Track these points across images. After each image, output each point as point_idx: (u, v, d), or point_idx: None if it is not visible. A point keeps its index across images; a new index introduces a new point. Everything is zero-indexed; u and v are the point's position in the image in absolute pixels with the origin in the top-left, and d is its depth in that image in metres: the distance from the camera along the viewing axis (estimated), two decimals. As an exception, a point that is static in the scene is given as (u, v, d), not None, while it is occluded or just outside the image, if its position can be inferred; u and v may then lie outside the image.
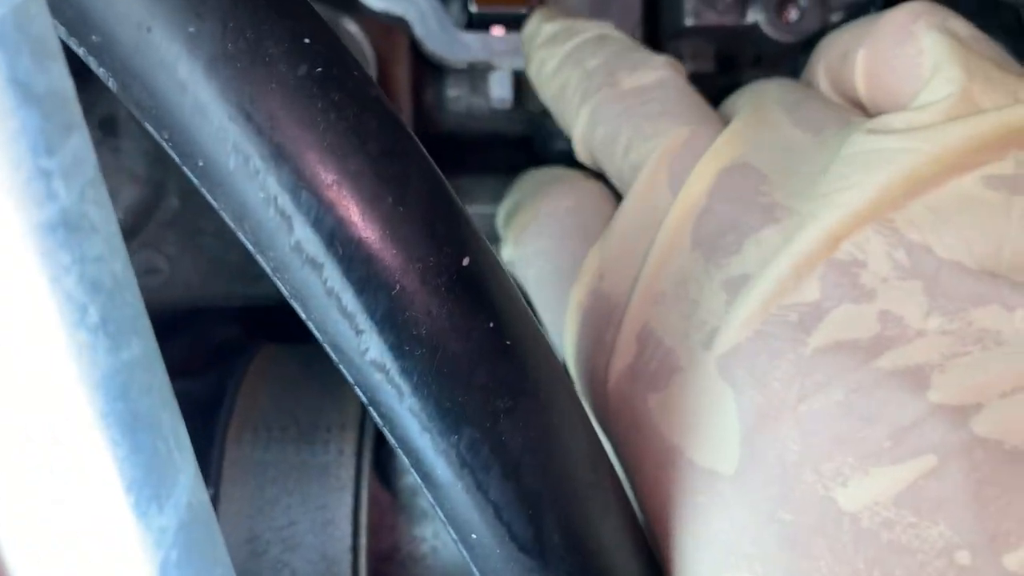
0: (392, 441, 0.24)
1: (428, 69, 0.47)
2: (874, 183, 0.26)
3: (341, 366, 0.23)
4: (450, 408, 0.23)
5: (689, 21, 0.43)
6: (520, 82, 0.45)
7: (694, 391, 0.28)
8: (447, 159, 0.51)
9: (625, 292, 0.31)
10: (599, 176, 0.38)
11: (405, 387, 0.22)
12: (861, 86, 0.31)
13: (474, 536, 0.24)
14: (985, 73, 0.27)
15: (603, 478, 0.25)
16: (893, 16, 0.30)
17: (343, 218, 0.21)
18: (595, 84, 0.36)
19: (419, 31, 0.43)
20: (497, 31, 0.45)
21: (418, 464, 0.24)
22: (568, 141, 0.42)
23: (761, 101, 0.33)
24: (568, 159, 0.44)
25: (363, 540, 0.35)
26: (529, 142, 0.54)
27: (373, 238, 0.22)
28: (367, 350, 0.22)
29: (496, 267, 0.24)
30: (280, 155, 0.21)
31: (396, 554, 0.38)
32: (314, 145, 0.21)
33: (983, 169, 0.26)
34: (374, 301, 0.22)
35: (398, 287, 0.22)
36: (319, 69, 0.21)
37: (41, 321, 0.15)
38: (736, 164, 0.31)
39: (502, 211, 0.42)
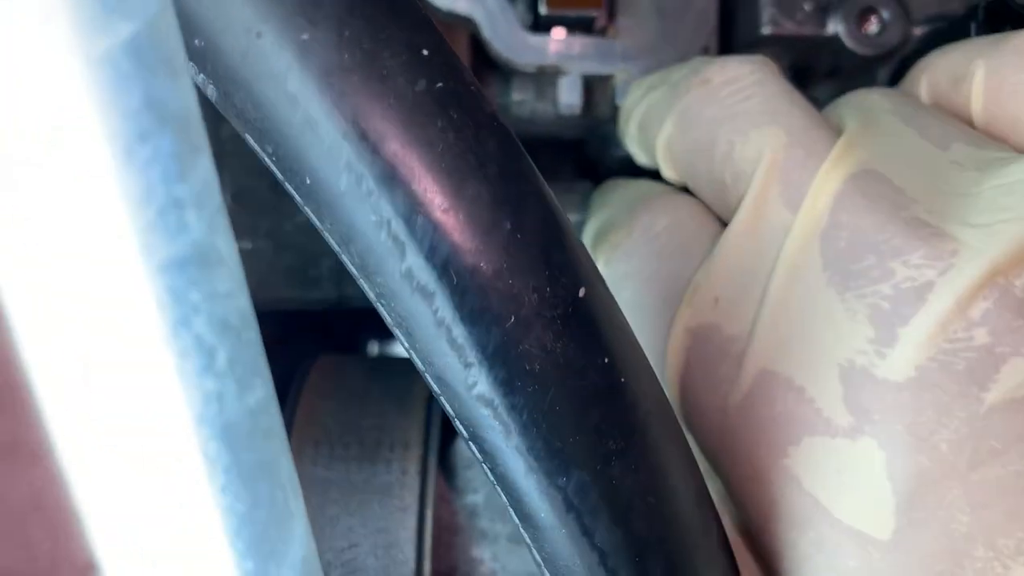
0: (492, 479, 0.23)
1: (489, 69, 0.46)
2: None
3: (443, 399, 0.22)
4: (560, 449, 0.21)
5: (766, 30, 0.41)
6: (589, 88, 0.43)
7: (840, 445, 0.26)
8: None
9: (744, 323, 0.29)
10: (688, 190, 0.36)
11: (513, 425, 0.21)
12: (978, 110, 0.29)
13: (575, 582, 0.23)
14: None
15: (710, 524, 0.24)
16: (1017, 41, 0.28)
17: (459, 245, 0.20)
18: (683, 87, 0.33)
19: (487, 32, 0.41)
20: (561, 33, 0.43)
21: (520, 505, 0.22)
22: (622, 147, 0.41)
23: (871, 110, 0.30)
24: (625, 165, 0.42)
25: (427, 565, 0.33)
26: (581, 146, 0.52)
27: (489, 267, 0.20)
28: (475, 384, 0.21)
29: (609, 298, 0.22)
30: (396, 176, 0.19)
31: (454, 574, 0.37)
32: (432, 167, 0.20)
33: None
34: (487, 334, 0.20)
35: (512, 319, 0.20)
36: (438, 84, 0.20)
37: (168, 370, 0.14)
38: (864, 171, 0.27)
39: (591, 228, 0.39)
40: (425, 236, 0.20)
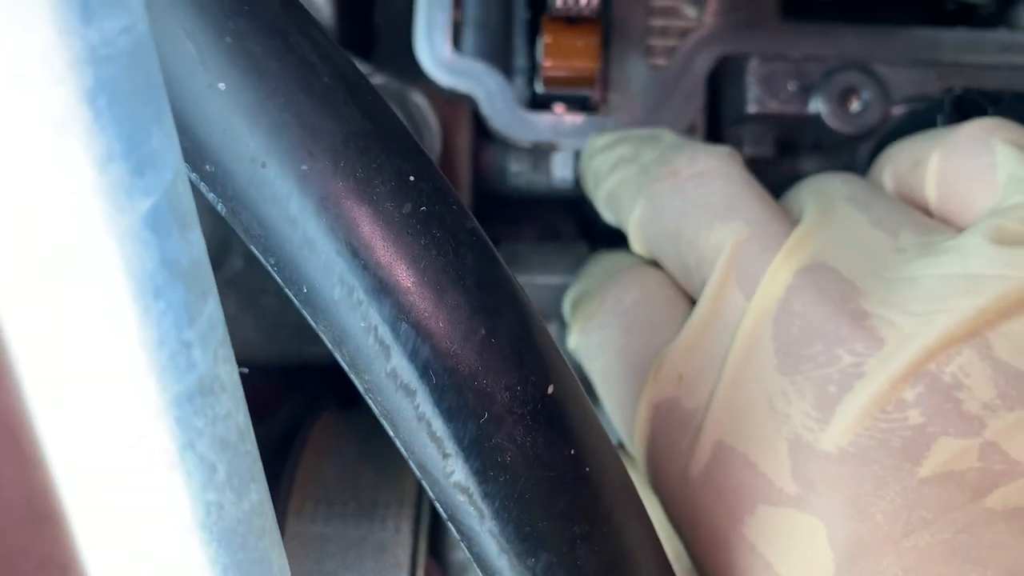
0: (470, 556, 0.25)
1: (489, 141, 0.48)
2: (972, 306, 0.26)
3: (425, 483, 0.24)
4: (529, 533, 0.23)
5: (752, 109, 0.44)
6: (582, 161, 0.45)
7: (789, 514, 0.28)
8: (503, 222, 0.52)
9: (703, 398, 0.31)
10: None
11: (487, 510, 0.23)
12: (932, 193, 0.31)
13: (543, 654, 0.25)
14: None
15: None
16: (969, 128, 0.30)
17: (439, 349, 0.22)
18: (653, 174, 0.36)
19: (486, 109, 0.44)
20: (559, 109, 0.45)
21: (493, 582, 0.24)
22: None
23: (829, 197, 0.33)
24: (617, 230, 0.45)
25: (417, 619, 0.35)
26: (578, 205, 0.55)
27: (465, 369, 0.22)
28: (452, 473, 0.23)
29: (577, 392, 0.25)
30: (383, 289, 0.22)
31: (444, 628, 0.39)
32: (416, 280, 0.22)
33: None
34: (463, 428, 0.23)
35: (486, 415, 0.23)
36: (423, 208, 0.22)
37: (176, 486, 0.16)
38: (814, 264, 0.30)
39: (569, 297, 0.42)
40: (408, 341, 0.22)
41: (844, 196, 0.33)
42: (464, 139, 0.49)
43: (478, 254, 0.23)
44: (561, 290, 0.45)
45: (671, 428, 0.32)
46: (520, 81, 0.47)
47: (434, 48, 0.44)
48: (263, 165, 0.22)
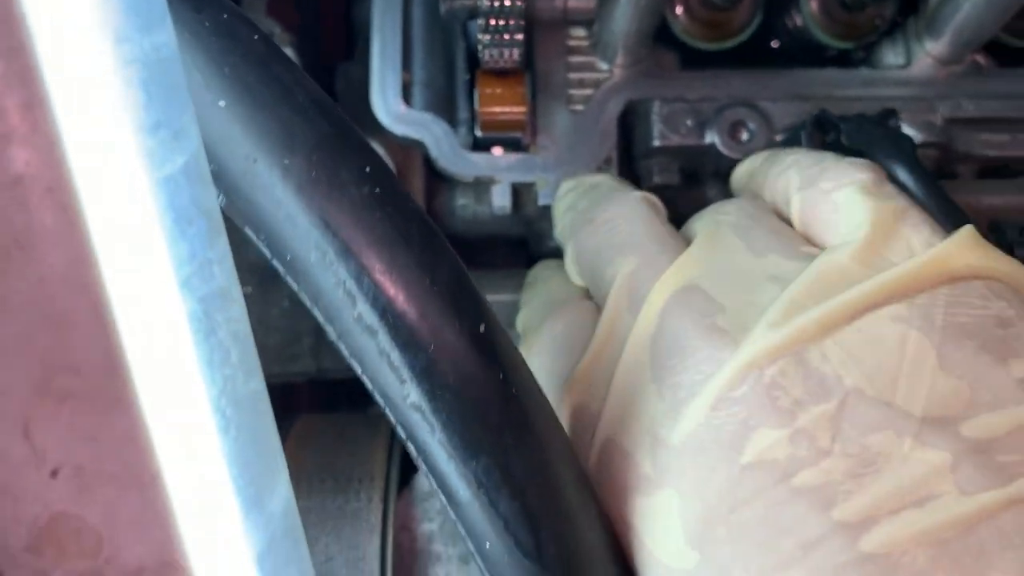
0: (424, 469, 0.31)
1: (439, 181, 0.56)
2: (795, 325, 0.32)
3: (387, 409, 0.30)
4: (470, 440, 0.30)
5: (657, 142, 0.52)
6: (517, 192, 0.53)
7: (653, 497, 0.34)
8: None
9: (599, 403, 0.38)
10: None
11: (436, 424, 0.30)
12: (796, 224, 0.39)
13: (488, 545, 0.31)
14: (890, 225, 0.34)
15: (588, 502, 0.32)
16: (827, 174, 0.37)
17: (393, 296, 0.29)
18: (579, 221, 0.44)
19: (434, 152, 0.52)
20: (497, 151, 0.53)
21: (444, 486, 0.31)
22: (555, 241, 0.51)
23: (719, 223, 0.40)
24: (558, 254, 0.52)
25: (390, 574, 0.41)
26: (525, 243, 0.62)
27: (415, 311, 0.29)
28: (408, 395, 0.30)
29: (502, 333, 0.31)
30: (349, 251, 0.29)
31: (414, 593, 0.44)
32: (373, 244, 0.29)
33: (888, 308, 0.32)
34: (415, 358, 0.29)
35: (432, 347, 0.29)
36: (377, 190, 0.29)
37: (200, 361, 0.23)
38: (688, 286, 0.37)
39: (520, 319, 0.49)
40: (369, 291, 0.29)
41: (730, 223, 0.40)
42: (418, 183, 0.57)
43: (420, 225, 0.30)
44: (510, 306, 0.53)
45: (579, 431, 0.39)
46: (463, 130, 0.55)
47: (387, 104, 0.52)
48: (254, 161, 0.29)
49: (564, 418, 0.40)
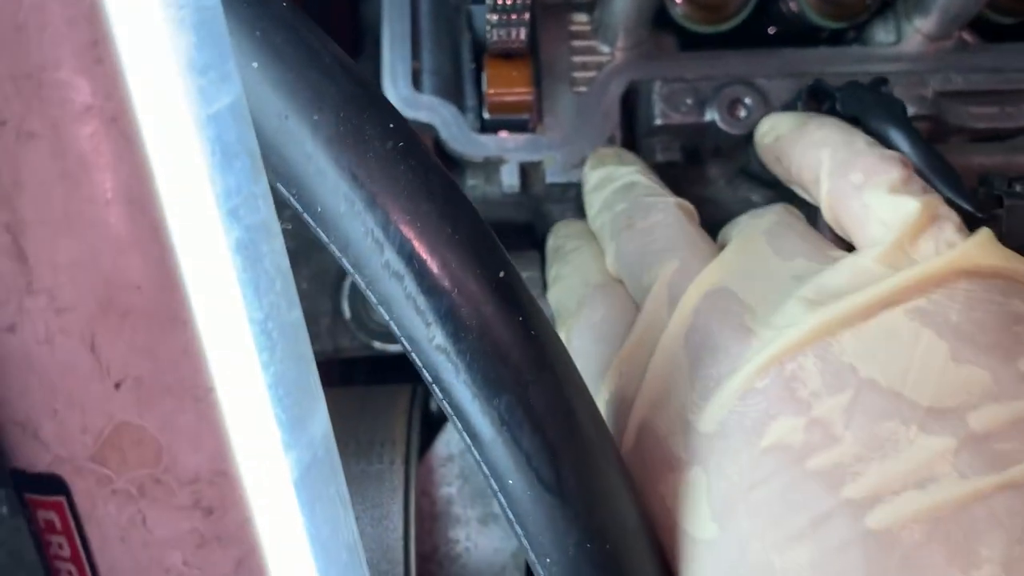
0: (449, 411, 0.33)
1: (449, 162, 0.58)
2: (815, 321, 0.35)
3: (413, 353, 0.32)
4: (493, 379, 0.31)
5: (659, 121, 0.54)
6: (525, 172, 0.55)
7: (685, 476, 0.37)
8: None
9: (635, 390, 0.41)
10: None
11: (461, 364, 0.31)
12: (825, 210, 0.41)
13: (510, 482, 0.33)
14: (917, 228, 0.36)
15: (605, 440, 0.34)
16: (858, 164, 0.39)
17: (417, 244, 0.31)
18: (618, 226, 0.47)
19: (444, 135, 0.54)
20: (503, 134, 0.55)
21: (469, 427, 0.32)
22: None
23: (753, 228, 0.43)
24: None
25: (412, 531, 0.43)
26: (531, 228, 0.64)
27: (438, 257, 0.31)
28: (434, 338, 0.31)
29: (521, 281, 0.33)
30: (375, 201, 0.31)
31: (435, 554, 0.46)
32: (399, 195, 0.31)
33: (905, 305, 0.35)
34: (439, 302, 0.31)
35: (456, 291, 0.31)
36: (401, 144, 0.31)
37: (249, 288, 0.25)
38: (719, 288, 0.40)
39: (552, 299, 0.51)
40: (396, 239, 0.31)
41: (763, 229, 0.43)
42: (427, 168, 0.59)
43: (442, 178, 0.32)
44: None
45: (617, 414, 0.42)
46: (471, 116, 0.57)
47: (398, 89, 0.54)
48: (286, 118, 0.31)
49: (602, 402, 0.43)
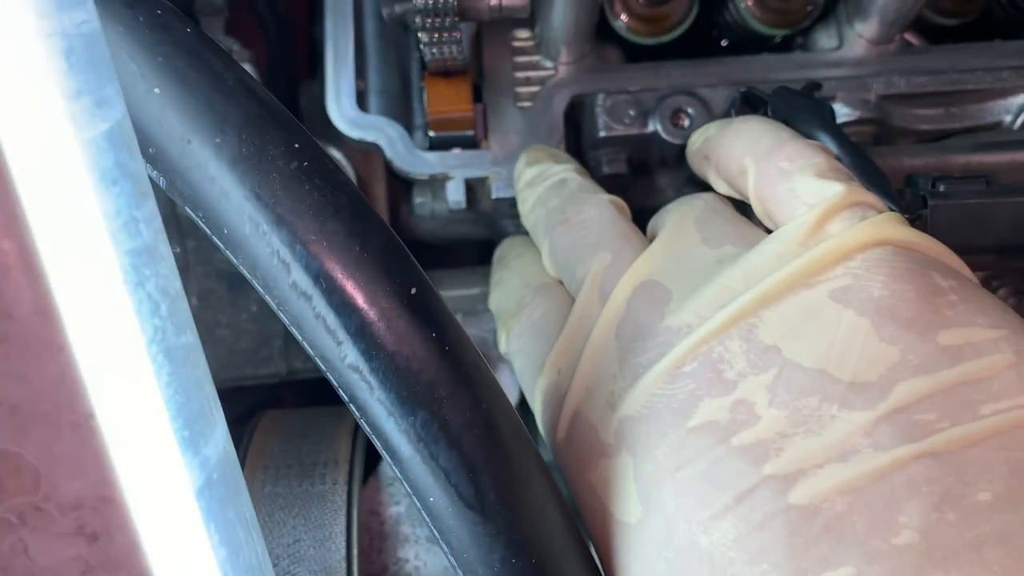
0: (366, 428, 0.33)
1: (398, 180, 0.58)
2: (738, 304, 0.36)
3: (327, 373, 0.32)
4: (407, 397, 0.31)
5: (602, 133, 0.54)
6: (471, 188, 0.55)
7: (613, 462, 0.37)
8: (423, 259, 0.62)
9: (568, 381, 0.41)
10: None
11: (374, 382, 0.31)
12: (752, 196, 0.41)
13: (431, 499, 0.32)
14: (836, 208, 0.36)
15: (527, 451, 0.34)
16: (784, 150, 0.39)
17: (325, 262, 0.31)
18: (552, 222, 0.47)
19: (389, 153, 0.54)
20: (457, 151, 0.55)
21: (387, 444, 0.32)
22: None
23: (683, 217, 0.43)
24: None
25: (355, 552, 0.43)
26: (489, 244, 0.64)
27: (346, 276, 0.31)
28: (346, 356, 0.31)
29: (434, 296, 0.33)
30: (281, 221, 0.31)
31: (384, 574, 0.46)
32: (304, 214, 0.31)
33: (826, 284, 0.35)
34: (349, 320, 0.31)
35: (364, 308, 0.31)
36: (305, 163, 0.31)
37: (132, 314, 0.25)
38: (648, 281, 0.41)
39: (493, 298, 0.52)
40: (302, 258, 0.31)
41: (693, 217, 0.43)
42: (380, 188, 0.59)
43: (351, 196, 0.32)
44: (477, 298, 0.55)
45: (552, 407, 0.42)
46: (420, 135, 0.57)
47: (342, 109, 0.54)
48: (189, 142, 0.31)
49: (539, 396, 0.43)
